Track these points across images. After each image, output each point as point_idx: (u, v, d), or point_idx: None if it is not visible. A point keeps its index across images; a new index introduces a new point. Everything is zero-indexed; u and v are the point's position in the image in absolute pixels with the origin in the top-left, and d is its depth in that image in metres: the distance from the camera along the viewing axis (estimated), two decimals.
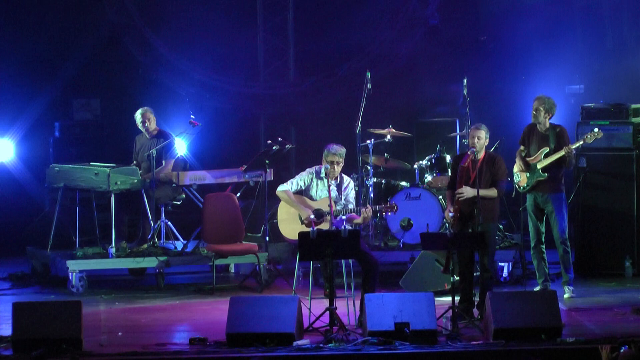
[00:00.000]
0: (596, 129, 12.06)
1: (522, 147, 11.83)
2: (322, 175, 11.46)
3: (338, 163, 11.32)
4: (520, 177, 11.77)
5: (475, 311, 10.77)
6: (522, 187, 11.79)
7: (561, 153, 11.59)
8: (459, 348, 9.32)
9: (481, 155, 11.04)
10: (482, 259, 10.89)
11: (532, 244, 11.82)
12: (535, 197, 11.76)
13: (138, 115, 13.37)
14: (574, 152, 11.71)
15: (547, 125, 11.72)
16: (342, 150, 11.37)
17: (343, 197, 11.38)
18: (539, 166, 11.65)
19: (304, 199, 11.50)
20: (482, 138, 11.02)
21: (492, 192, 10.89)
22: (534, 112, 11.69)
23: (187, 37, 16.22)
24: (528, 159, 11.74)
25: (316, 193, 11.50)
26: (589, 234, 12.71)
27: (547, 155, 11.63)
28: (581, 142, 11.79)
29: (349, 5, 16.49)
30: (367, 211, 11.27)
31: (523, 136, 11.86)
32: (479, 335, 9.82)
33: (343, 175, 11.49)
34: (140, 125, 13.39)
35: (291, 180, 11.57)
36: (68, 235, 13.30)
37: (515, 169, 11.81)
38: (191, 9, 16.20)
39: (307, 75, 16.53)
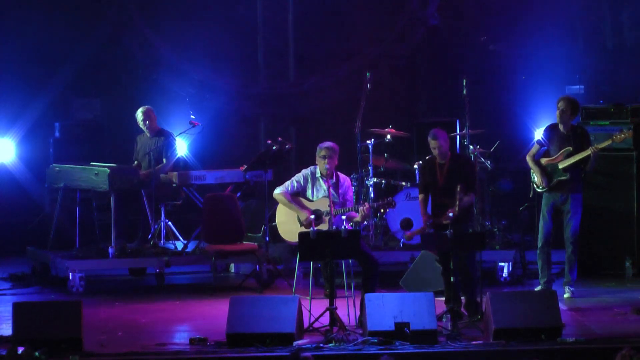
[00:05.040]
0: (625, 129, 11.98)
1: (533, 149, 11.76)
2: (318, 175, 11.48)
3: (330, 157, 11.31)
4: (539, 177, 11.69)
5: (464, 312, 10.66)
6: (541, 187, 11.72)
7: (587, 153, 11.48)
8: (459, 348, 9.33)
9: (447, 157, 10.98)
10: (464, 260, 10.80)
11: (540, 244, 11.73)
12: (554, 197, 11.71)
13: (139, 114, 13.39)
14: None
15: (569, 125, 11.68)
16: (334, 147, 11.36)
17: (340, 196, 11.38)
18: (560, 166, 11.58)
19: (301, 200, 11.51)
20: (443, 146, 10.93)
21: (471, 199, 10.84)
22: (561, 112, 11.60)
23: (187, 37, 16.21)
24: (547, 159, 11.68)
25: (312, 194, 11.51)
26: (589, 234, 12.69)
27: (569, 155, 11.57)
28: (609, 142, 11.69)
29: (349, 5, 16.49)
30: (365, 209, 11.27)
31: (545, 136, 11.75)
32: (479, 335, 9.83)
33: (339, 173, 11.50)
34: (141, 124, 13.41)
35: (287, 182, 11.59)
36: (68, 236, 13.31)
37: (533, 168, 11.73)
38: (191, 9, 16.20)
39: (307, 75, 16.53)
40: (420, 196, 11.11)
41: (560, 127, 11.67)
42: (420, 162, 13.46)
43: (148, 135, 13.42)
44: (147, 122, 13.34)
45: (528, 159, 11.83)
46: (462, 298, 10.75)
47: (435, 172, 10.95)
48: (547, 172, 11.66)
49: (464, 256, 10.64)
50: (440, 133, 10.95)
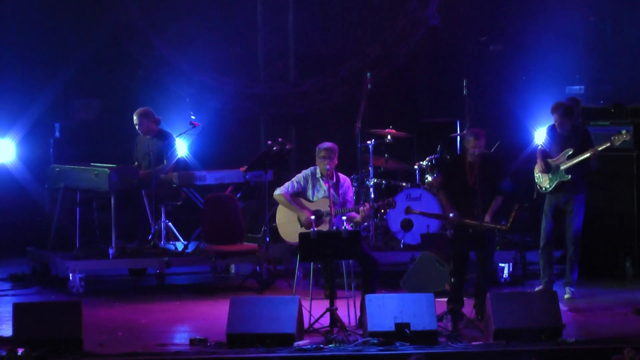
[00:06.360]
0: (624, 130, 12.01)
1: (540, 147, 11.77)
2: (318, 175, 11.48)
3: (330, 158, 11.32)
4: (542, 178, 11.69)
5: (472, 311, 10.69)
6: (544, 188, 11.71)
7: (587, 154, 11.51)
8: (459, 348, 9.34)
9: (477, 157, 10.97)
10: (484, 261, 10.80)
11: (542, 244, 11.72)
12: (557, 198, 11.69)
13: (133, 117, 13.39)
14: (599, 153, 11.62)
15: (570, 127, 11.67)
16: (334, 148, 11.36)
17: (341, 196, 11.39)
18: (562, 167, 11.58)
19: (302, 201, 11.51)
20: (483, 146, 10.91)
21: (499, 202, 10.83)
22: (559, 124, 11.52)
23: (187, 38, 16.21)
24: (550, 160, 11.68)
25: (312, 194, 11.51)
26: (589, 234, 12.68)
27: (570, 157, 11.57)
28: (608, 144, 11.67)
29: (349, 6, 16.50)
30: (365, 209, 11.28)
31: (546, 137, 11.75)
32: (479, 335, 9.83)
33: (339, 174, 11.51)
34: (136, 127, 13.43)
35: (287, 182, 11.59)
36: (68, 236, 13.30)
37: (536, 170, 11.74)
38: (191, 9, 16.21)
39: (307, 75, 16.53)
40: (441, 192, 11.07)
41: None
42: (422, 162, 13.53)
43: (148, 136, 13.42)
44: (137, 126, 13.33)
45: (537, 153, 11.84)
46: (464, 298, 10.78)
47: (465, 171, 10.86)
48: (551, 172, 11.63)
49: (486, 257, 10.68)
50: (482, 133, 10.92)
